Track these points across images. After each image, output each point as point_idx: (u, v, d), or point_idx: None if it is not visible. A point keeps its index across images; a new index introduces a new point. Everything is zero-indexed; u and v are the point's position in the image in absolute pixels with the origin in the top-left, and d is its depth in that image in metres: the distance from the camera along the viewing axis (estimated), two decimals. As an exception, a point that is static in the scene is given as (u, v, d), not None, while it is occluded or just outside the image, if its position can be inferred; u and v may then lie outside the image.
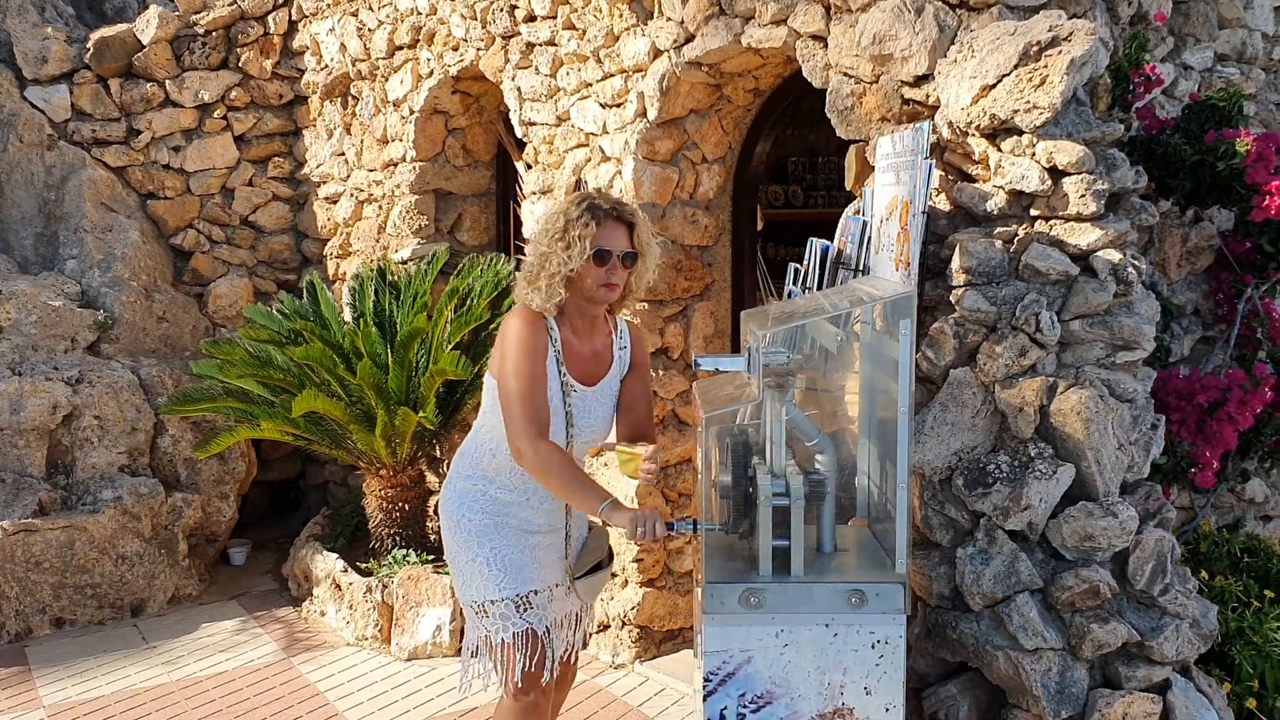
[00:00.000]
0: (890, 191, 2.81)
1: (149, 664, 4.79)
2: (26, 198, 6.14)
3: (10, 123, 6.07)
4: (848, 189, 3.53)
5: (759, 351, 2.52)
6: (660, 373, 4.57)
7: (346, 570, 5.19)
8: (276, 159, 6.53)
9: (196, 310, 6.33)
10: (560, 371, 2.89)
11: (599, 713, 4.20)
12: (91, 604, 5.29)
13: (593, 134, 4.61)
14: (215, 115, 6.35)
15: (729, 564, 2.62)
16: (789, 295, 3.34)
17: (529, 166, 5.08)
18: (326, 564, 5.30)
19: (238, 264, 6.53)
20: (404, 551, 5.24)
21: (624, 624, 4.64)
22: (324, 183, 6.43)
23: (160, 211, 6.33)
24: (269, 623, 5.27)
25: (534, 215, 4.99)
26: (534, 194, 4.99)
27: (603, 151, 4.56)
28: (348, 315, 5.68)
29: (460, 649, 4.73)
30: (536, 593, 2.96)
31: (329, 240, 6.45)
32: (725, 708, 2.52)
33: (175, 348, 6.14)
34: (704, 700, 2.53)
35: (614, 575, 4.70)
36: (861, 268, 2.98)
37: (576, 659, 3.26)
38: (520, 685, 2.92)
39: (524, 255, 5.14)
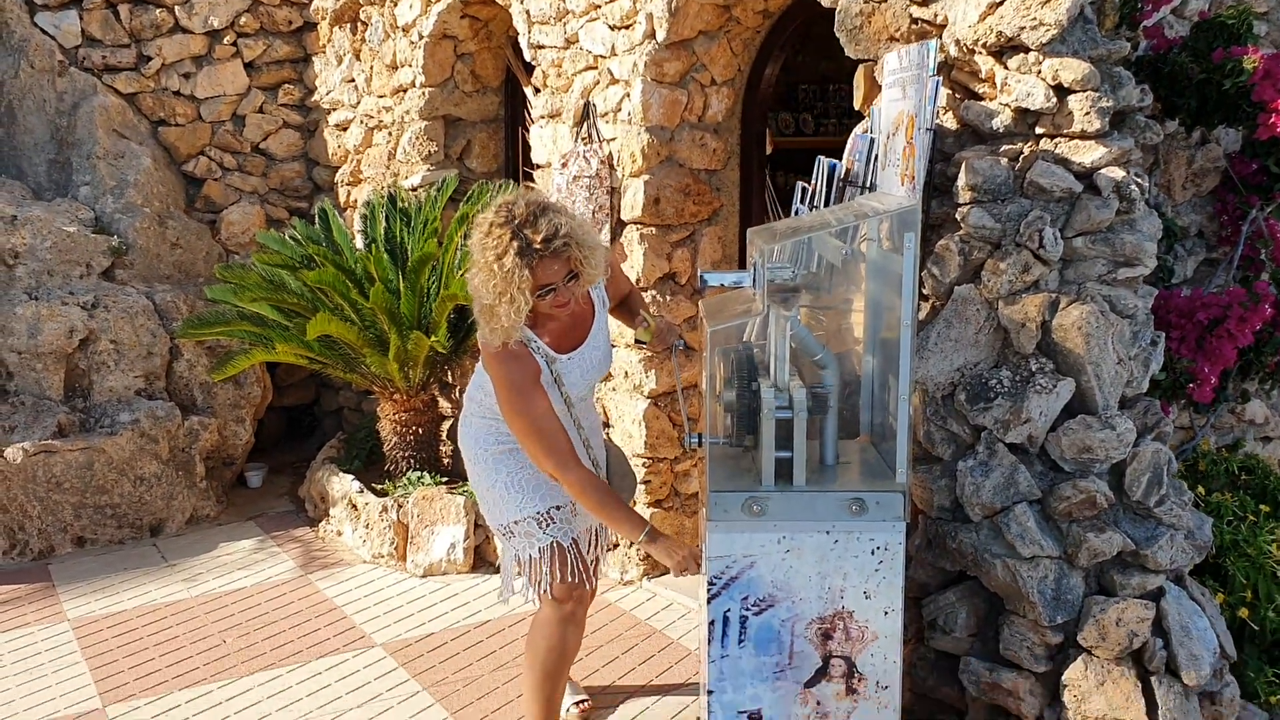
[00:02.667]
0: (896, 107, 2.83)
1: (169, 581, 4.92)
2: (39, 124, 6.17)
3: (21, 49, 6.07)
4: (856, 108, 3.54)
5: (764, 267, 2.56)
6: (667, 298, 4.61)
7: (362, 491, 5.30)
8: (286, 86, 6.53)
9: (209, 237, 6.38)
10: (551, 360, 2.96)
11: (608, 625, 4.31)
12: (111, 524, 5.42)
13: (601, 56, 4.60)
14: (225, 41, 6.34)
15: (733, 475, 2.69)
16: (796, 213, 3.37)
17: (537, 91, 5.08)
18: (342, 485, 5.40)
19: (249, 191, 6.56)
20: (418, 473, 5.34)
21: (632, 542, 4.73)
22: (334, 110, 6.43)
23: (171, 138, 6.36)
24: (286, 542, 5.39)
25: (542, 140, 5.00)
26: (542, 118, 5.00)
27: (611, 74, 4.56)
28: (359, 242, 5.72)
29: (473, 566, 4.91)
30: (559, 508, 3.09)
31: (340, 167, 6.47)
32: (729, 610, 2.61)
33: (189, 274, 6.20)
34: (708, 603, 2.61)
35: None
36: (868, 185, 3.01)
37: (598, 575, 3.35)
38: (556, 596, 3.09)
39: (532, 183, 5.20)
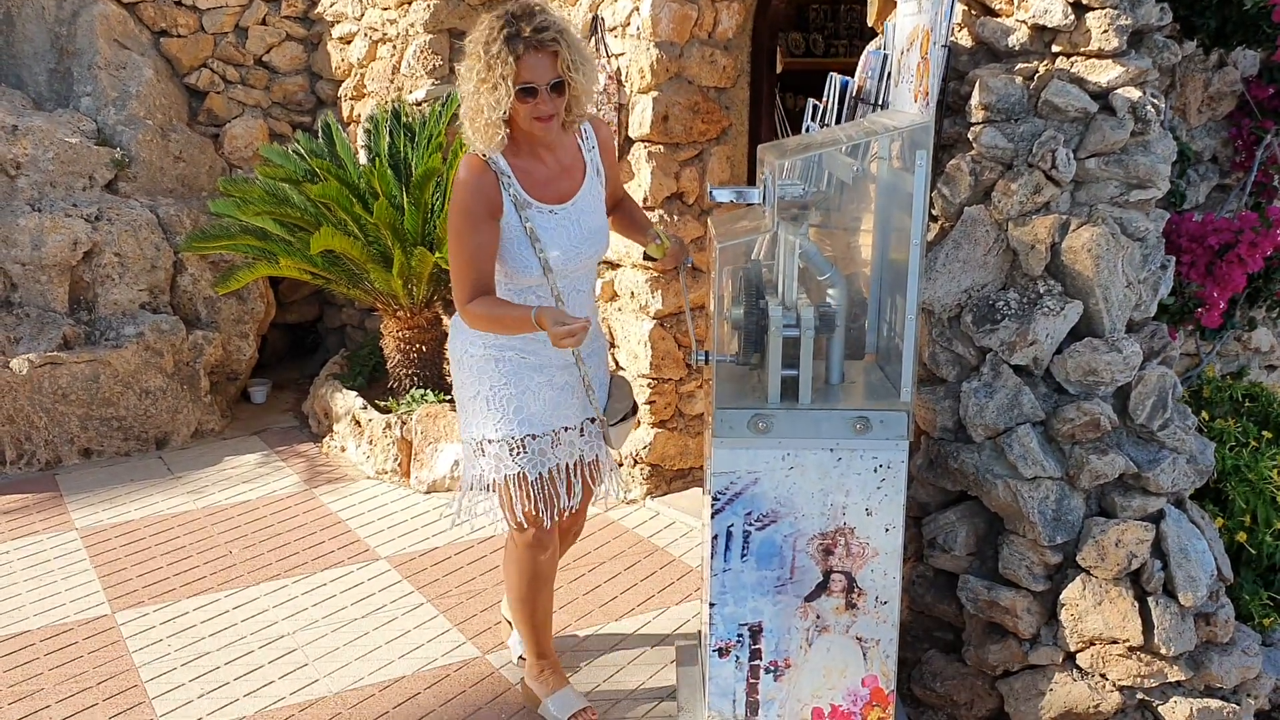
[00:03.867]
0: (912, 21, 2.78)
1: (175, 492, 4.97)
2: (38, 32, 6.08)
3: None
4: (869, 24, 3.49)
5: (775, 183, 2.54)
6: (675, 217, 4.58)
7: (366, 407, 5.32)
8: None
9: (212, 151, 6.32)
10: (522, 206, 2.80)
11: (611, 543, 4.35)
12: (118, 436, 5.45)
13: (611, -30, 4.52)
14: (226, -51, 6.22)
15: (739, 392, 2.69)
16: (807, 131, 3.33)
17: (546, 5, 4.99)
18: (346, 401, 5.42)
19: (252, 105, 6.49)
20: (421, 391, 5.35)
21: (635, 462, 4.76)
22: (337, 22, 6.33)
23: (173, 50, 6.27)
24: (290, 457, 5.43)
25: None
26: (550, 33, 4.92)
27: (621, -12, 4.48)
28: (363, 157, 5.67)
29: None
30: (535, 437, 2.94)
31: (343, 82, 6.39)
32: (732, 524, 2.63)
33: (192, 188, 6.16)
34: (712, 518, 2.63)
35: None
36: (881, 102, 2.97)
37: (584, 505, 3.29)
38: (521, 523, 3.00)
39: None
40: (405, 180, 5.24)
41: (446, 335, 5.74)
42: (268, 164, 5.44)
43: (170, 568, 4.19)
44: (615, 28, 4.53)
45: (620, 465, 4.82)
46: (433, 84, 5.71)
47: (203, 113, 6.39)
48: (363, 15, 6.12)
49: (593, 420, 3.09)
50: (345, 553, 4.30)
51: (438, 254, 5.00)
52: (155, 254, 5.66)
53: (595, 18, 4.61)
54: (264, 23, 6.43)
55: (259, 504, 4.82)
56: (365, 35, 6.11)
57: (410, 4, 5.72)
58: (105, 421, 5.40)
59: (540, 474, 2.95)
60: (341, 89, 6.38)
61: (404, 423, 5.06)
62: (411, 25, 5.72)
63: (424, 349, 5.49)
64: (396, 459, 5.06)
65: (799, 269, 2.64)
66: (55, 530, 4.55)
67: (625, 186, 4.57)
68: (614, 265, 4.77)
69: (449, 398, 5.31)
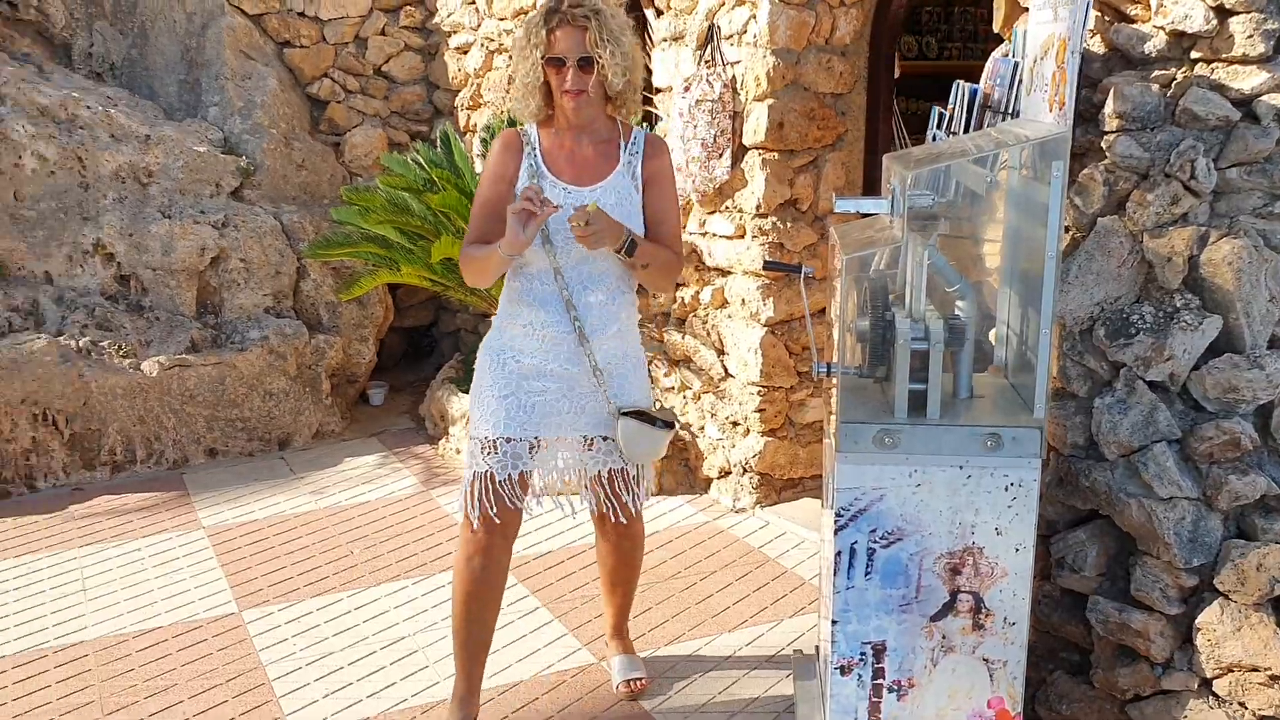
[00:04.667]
0: (1046, 29, 2.72)
1: (297, 493, 5.10)
2: (170, 45, 6.31)
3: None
4: (996, 30, 3.42)
5: (904, 193, 2.50)
6: (788, 224, 4.55)
7: (479, 412, 5.39)
8: (408, 8, 6.56)
9: (333, 159, 6.49)
10: (537, 176, 2.90)
11: (721, 552, 4.35)
12: (242, 436, 5.62)
13: (728, -23, 4.51)
14: (348, -38, 6.38)
15: (864, 406, 2.66)
16: (933, 139, 3.28)
17: (659, 13, 5.01)
18: (461, 405, 5.51)
19: (372, 114, 6.64)
20: (533, 396, 5.40)
21: (745, 470, 4.75)
22: (454, 32, 6.44)
23: (296, 60, 6.45)
24: (407, 458, 5.54)
25: (664, 64, 4.94)
26: (664, 41, 4.94)
27: (738, -5, 4.47)
28: (479, 166, 5.76)
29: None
30: (510, 440, 2.96)
31: (460, 91, 6.50)
32: (856, 542, 2.60)
33: (314, 195, 6.33)
34: (835, 534, 2.61)
35: (682, 433, 4.80)
36: (1011, 111, 2.91)
37: (618, 518, 3.18)
38: (472, 520, 3.01)
39: (652, 107, 5.15)
40: (520, 188, 5.30)
41: (557, 341, 5.81)
42: (388, 173, 5.56)
43: (294, 567, 4.30)
44: (731, 35, 4.53)
45: (729, 474, 4.80)
46: (547, 92, 5.76)
47: (324, 122, 6.56)
48: (479, 26, 6.22)
49: (605, 438, 3.07)
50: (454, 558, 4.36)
51: (552, 261, 5.05)
52: (279, 260, 5.83)
53: (712, 26, 4.61)
54: (383, 33, 6.57)
55: (378, 505, 4.93)
56: (481, 45, 6.20)
57: (526, 14, 5.79)
58: (230, 422, 5.58)
59: (509, 476, 2.98)
60: (458, 98, 6.48)
61: (517, 427, 5.12)
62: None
63: (536, 354, 5.53)
64: (509, 463, 5.12)
65: (927, 279, 2.60)
66: (183, 529, 4.72)
67: (738, 195, 4.56)
68: (725, 272, 4.77)
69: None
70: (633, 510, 3.21)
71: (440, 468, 5.39)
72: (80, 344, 5.26)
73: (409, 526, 4.68)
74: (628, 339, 3.09)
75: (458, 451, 5.49)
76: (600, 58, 2.79)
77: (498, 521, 3.00)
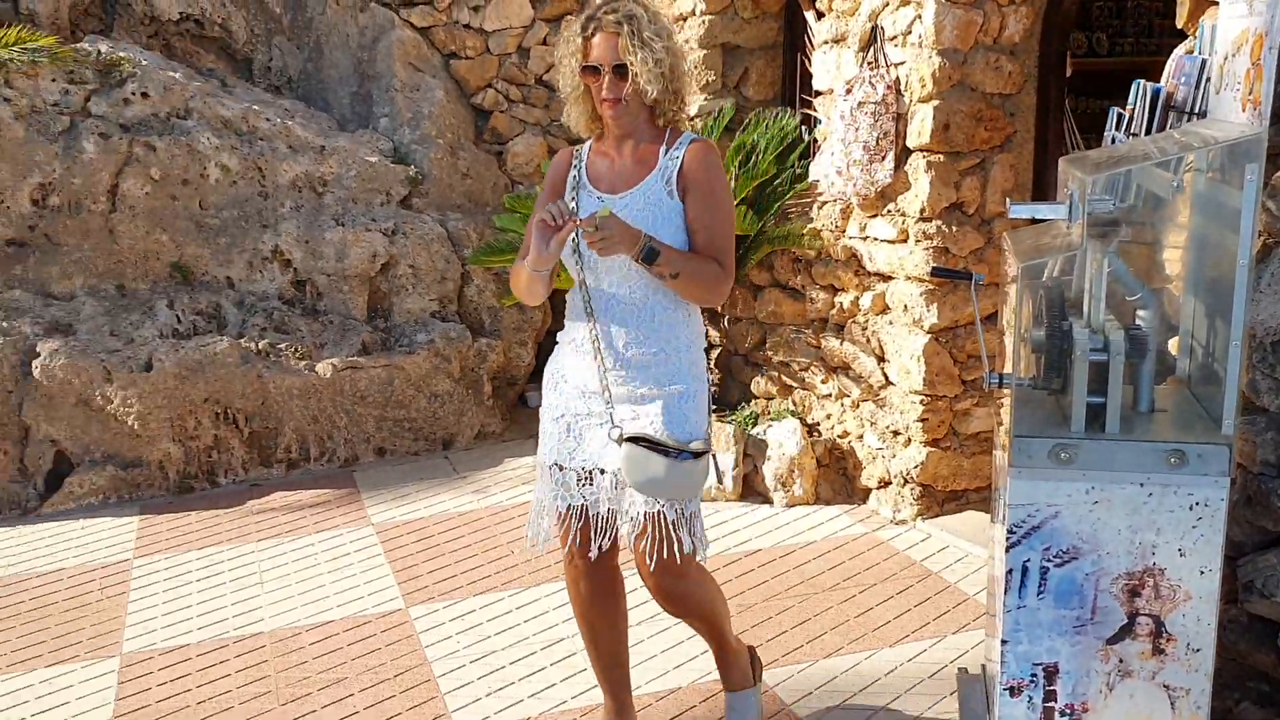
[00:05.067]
0: (1239, 24, 2.57)
1: (460, 492, 5.24)
2: (343, 58, 6.56)
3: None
4: (1179, 26, 3.25)
5: (1083, 198, 2.40)
6: (953, 228, 4.44)
7: (635, 416, 5.43)
8: (568, 17, 6.61)
9: (496, 167, 6.64)
10: (579, 188, 2.82)
11: (880, 564, 4.26)
12: (408, 436, 5.80)
13: (892, -22, 4.43)
14: (511, -26, 6.52)
15: (1038, 419, 2.57)
16: (1112, 141, 3.15)
17: (820, 15, 4.95)
18: (617, 409, 5.55)
19: (533, 123, 6.76)
20: (689, 401, 5.41)
21: (906, 481, 4.64)
22: (613, 39, 6.50)
23: (462, 71, 6.62)
24: (564, 462, 5.61)
25: (825, 66, 4.88)
26: (825, 43, 4.88)
27: (902, -4, 4.38)
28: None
29: (742, 495, 4.95)
30: (561, 468, 2.87)
31: (617, 97, 6.55)
32: (1028, 560, 2.51)
33: (478, 203, 6.49)
34: (1006, 551, 2.52)
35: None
36: (1198, 110, 2.76)
37: (649, 572, 2.84)
38: (531, 544, 3.02)
39: (811, 110, 5.09)
40: (678, 193, 5.32)
41: (712, 346, 5.81)
42: (547, 179, 5.64)
43: (457, 565, 4.41)
44: (895, 36, 4.44)
45: (889, 485, 4.71)
46: (705, 99, 5.77)
47: (488, 131, 6.71)
48: (638, 32, 6.26)
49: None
50: (618, 559, 4.40)
51: (709, 266, 5.04)
52: (445, 266, 6.00)
53: (875, 27, 4.53)
54: (544, 43, 6.68)
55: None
56: (640, 51, 6.24)
57: (685, 20, 5.81)
58: (398, 423, 5.76)
59: (569, 505, 2.88)
60: (616, 104, 6.54)
61: (673, 432, 5.13)
62: (685, 41, 5.80)
63: (692, 359, 5.55)
64: (665, 468, 5.13)
65: (1107, 289, 2.49)
66: (354, 525, 4.90)
67: (900, 198, 4.47)
68: (886, 277, 4.68)
69: (715, 407, 5.35)
70: (675, 560, 2.78)
71: (597, 471, 5.44)
72: (259, 346, 5.52)
73: (567, 529, 4.74)
74: (674, 362, 2.80)
75: (614, 455, 5.54)
76: (633, 64, 2.67)
77: (575, 555, 2.93)
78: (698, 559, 2.90)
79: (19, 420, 5.19)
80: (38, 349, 5.19)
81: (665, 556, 2.77)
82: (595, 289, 2.80)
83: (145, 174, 5.63)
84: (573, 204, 2.81)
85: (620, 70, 2.68)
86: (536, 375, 6.62)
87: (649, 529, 2.76)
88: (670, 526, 2.76)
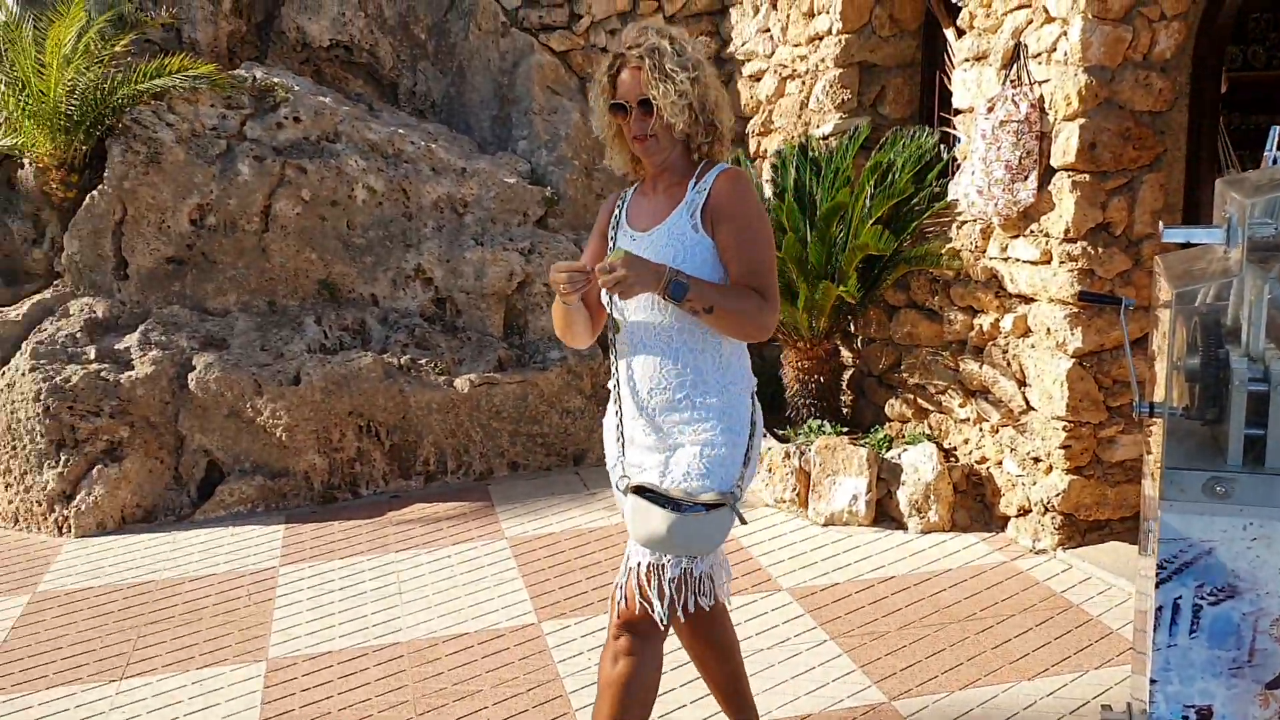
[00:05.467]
0: None
1: (591, 508, 5.29)
2: (484, 82, 6.73)
3: (470, 12, 6.63)
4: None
5: (1242, 222, 2.31)
6: (1099, 249, 4.30)
7: (765, 435, 5.41)
8: (703, 38, 6.69)
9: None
10: (618, 228, 2.74)
11: (1019, 595, 4.15)
12: (541, 451, 5.89)
13: (1037, -6, 4.33)
14: (648, -3, 6.60)
15: (1192, 451, 2.47)
16: (1273, 162, 3.02)
17: (960, 33, 4.87)
18: (747, 430, 5.54)
19: (665, 142, 6.81)
20: (819, 421, 5.37)
21: (1046, 509, 4.51)
22: (748, 60, 6.52)
23: (597, 93, 6.71)
24: (694, 481, 5.62)
25: (965, 84, 4.80)
26: (966, 61, 4.80)
27: (1047, 11, 4.29)
28: (768, 191, 5.79)
29: (875, 519, 4.88)
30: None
31: (751, 118, 6.56)
32: (1180, 597, 2.41)
33: (610, 222, 6.56)
34: (1156, 587, 2.43)
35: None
36: (1370, 129, 2.63)
37: (623, 623, 2.63)
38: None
39: (950, 129, 5.01)
40: (810, 214, 5.29)
41: (844, 367, 5.75)
42: (681, 199, 5.67)
43: (588, 581, 4.46)
44: (1040, 54, 4.34)
45: (1028, 512, 4.58)
46: (840, 118, 5.73)
47: (621, 151, 6.79)
48: (773, 53, 6.26)
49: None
50: (748, 580, 4.39)
51: (841, 287, 5.01)
52: (577, 284, 6.08)
53: (1018, 44, 4.44)
54: (679, 64, 6.73)
55: (666, 526, 5.02)
56: (774, 73, 6.24)
57: (821, 40, 5.79)
58: (531, 438, 5.86)
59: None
60: (749, 125, 6.55)
61: (802, 453, 5.10)
62: (821, 60, 5.78)
63: (823, 380, 5.51)
64: (794, 489, 5.10)
65: (1267, 316, 2.38)
66: (488, 538, 4.99)
67: (1044, 218, 4.36)
68: (1027, 299, 4.56)
69: (846, 430, 5.30)
70: (666, 613, 2.58)
71: (727, 491, 5.44)
72: (401, 361, 5.69)
73: (697, 549, 4.74)
74: (703, 408, 2.62)
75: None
76: (655, 98, 2.56)
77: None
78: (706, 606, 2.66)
79: (175, 430, 5.45)
80: (193, 362, 5.45)
81: (637, 613, 2.59)
82: (625, 328, 2.69)
83: (296, 195, 5.86)
84: (612, 243, 2.73)
85: (646, 105, 2.58)
86: (667, 394, 6.68)
87: (650, 577, 2.58)
88: (665, 584, 2.57)
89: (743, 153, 6.09)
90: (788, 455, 5.15)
